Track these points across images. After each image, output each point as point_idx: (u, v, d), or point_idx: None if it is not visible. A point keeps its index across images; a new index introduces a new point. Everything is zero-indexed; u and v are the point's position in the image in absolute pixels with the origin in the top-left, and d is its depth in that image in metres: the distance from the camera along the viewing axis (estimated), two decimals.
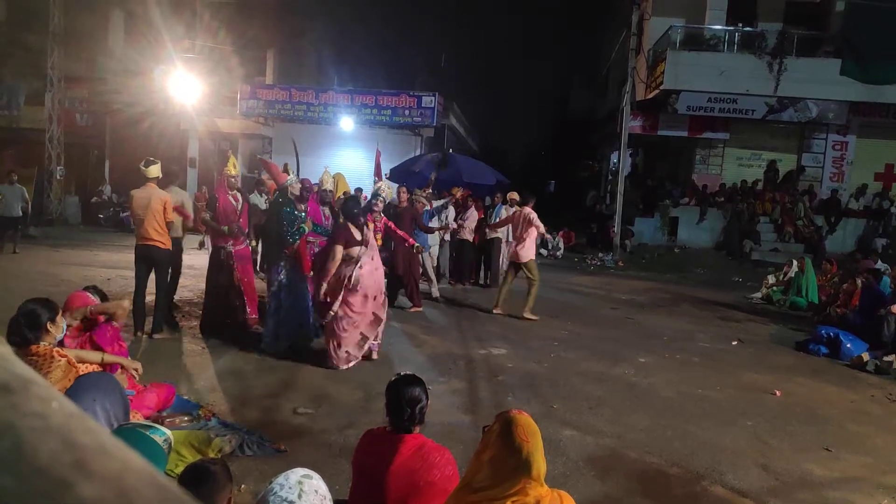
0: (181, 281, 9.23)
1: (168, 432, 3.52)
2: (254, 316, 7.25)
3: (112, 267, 10.50)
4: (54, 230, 16.29)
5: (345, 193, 8.98)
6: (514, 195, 10.50)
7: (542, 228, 8.76)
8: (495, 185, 13.47)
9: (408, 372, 2.86)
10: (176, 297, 8.14)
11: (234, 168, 7.27)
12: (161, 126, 18.17)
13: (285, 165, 7.73)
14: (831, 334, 7.83)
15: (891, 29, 15.13)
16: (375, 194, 7.64)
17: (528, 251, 8.72)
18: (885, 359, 7.21)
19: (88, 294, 4.60)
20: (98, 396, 3.30)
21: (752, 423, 5.23)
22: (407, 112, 18.38)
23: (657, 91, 16.60)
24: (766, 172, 18.50)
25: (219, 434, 4.01)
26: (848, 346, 7.61)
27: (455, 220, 11.09)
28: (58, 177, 18.09)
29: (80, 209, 18.91)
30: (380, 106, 18.46)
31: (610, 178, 21.43)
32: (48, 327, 3.49)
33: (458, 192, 11.61)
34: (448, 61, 26.48)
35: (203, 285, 8.25)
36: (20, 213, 12.53)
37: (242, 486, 3.55)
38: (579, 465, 4.21)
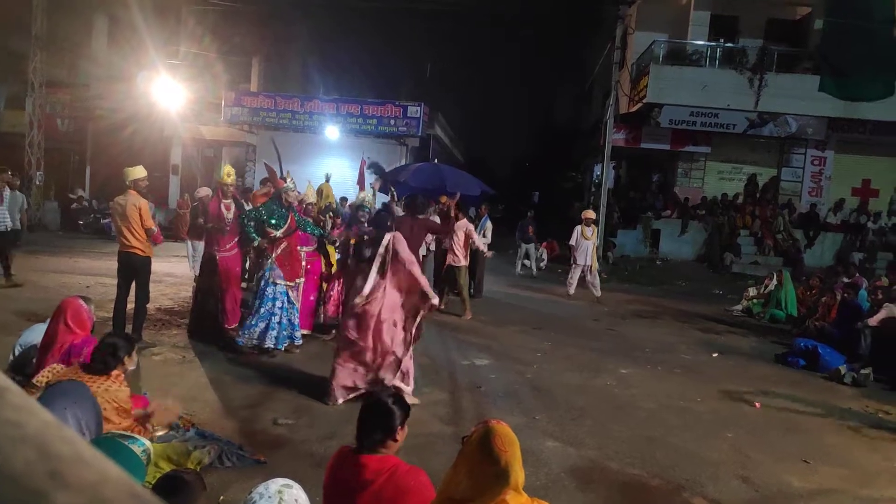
0: (163, 290, 9.17)
1: (147, 443, 3.48)
2: (231, 326, 7.19)
3: (92, 274, 10.35)
4: (33, 236, 16.02)
5: (329, 203, 8.97)
6: (591, 213, 11.96)
7: (477, 240, 10.15)
8: (480, 195, 13.49)
9: (391, 390, 2.76)
10: (156, 305, 8.05)
11: (229, 177, 7.25)
12: (144, 132, 18.03)
13: (287, 173, 7.75)
14: (809, 347, 7.93)
15: (868, 47, 15.44)
16: (360, 206, 7.63)
17: (461, 258, 9.87)
18: (862, 371, 7.31)
19: (81, 301, 4.67)
20: (69, 405, 3.26)
21: (733, 434, 5.27)
22: (392, 122, 18.41)
23: (640, 104, 16.78)
24: (746, 186, 18.75)
25: (197, 446, 3.96)
26: (826, 358, 7.71)
27: None
28: (37, 182, 17.84)
29: (59, 215, 18.66)
30: (365, 115, 18.47)
31: (593, 190, 21.59)
32: (125, 360, 3.88)
33: (445, 201, 11.62)
34: (434, 72, 26.60)
35: (183, 293, 8.19)
36: (19, 226, 9.94)
37: (221, 497, 3.51)
38: (561, 477, 4.21)
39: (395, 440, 2.42)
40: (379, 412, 2.40)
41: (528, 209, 16.31)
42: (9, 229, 9.48)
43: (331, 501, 2.43)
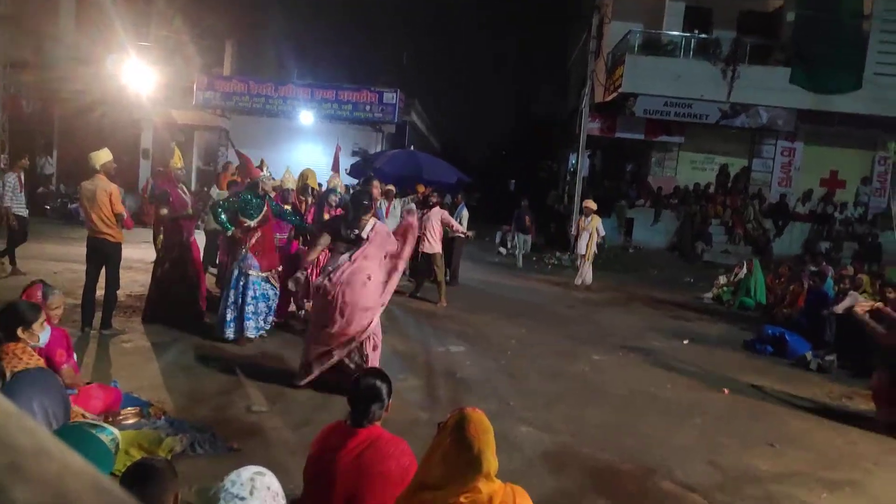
0: (133, 276, 9.02)
1: (116, 431, 3.43)
2: (204, 309, 7.21)
3: (60, 260, 10.14)
4: None
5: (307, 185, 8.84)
6: (591, 203, 11.93)
7: (455, 224, 10.25)
8: (456, 183, 13.49)
9: (371, 371, 2.87)
10: (127, 292, 7.92)
11: (179, 160, 7.19)
12: (113, 116, 17.63)
13: (261, 161, 7.66)
14: (777, 334, 8.11)
15: (837, 40, 15.69)
16: (332, 189, 7.57)
17: (435, 245, 9.83)
18: (827, 358, 7.50)
19: (39, 292, 4.44)
20: (36, 394, 3.19)
21: (701, 420, 5.38)
22: (368, 108, 18.25)
23: (615, 94, 16.87)
24: (718, 176, 19.01)
25: (169, 433, 3.92)
26: (792, 345, 7.89)
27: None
28: (1, 165, 17.36)
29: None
30: (340, 100, 18.29)
31: (568, 178, 21.70)
32: (19, 333, 3.50)
33: (422, 190, 11.62)
34: (411, 59, 26.40)
35: None
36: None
37: (194, 487, 3.48)
38: (534, 462, 4.26)
39: (387, 410, 2.65)
40: (368, 391, 2.58)
41: (523, 198, 16.31)
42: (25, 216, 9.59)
43: (314, 468, 2.58)
